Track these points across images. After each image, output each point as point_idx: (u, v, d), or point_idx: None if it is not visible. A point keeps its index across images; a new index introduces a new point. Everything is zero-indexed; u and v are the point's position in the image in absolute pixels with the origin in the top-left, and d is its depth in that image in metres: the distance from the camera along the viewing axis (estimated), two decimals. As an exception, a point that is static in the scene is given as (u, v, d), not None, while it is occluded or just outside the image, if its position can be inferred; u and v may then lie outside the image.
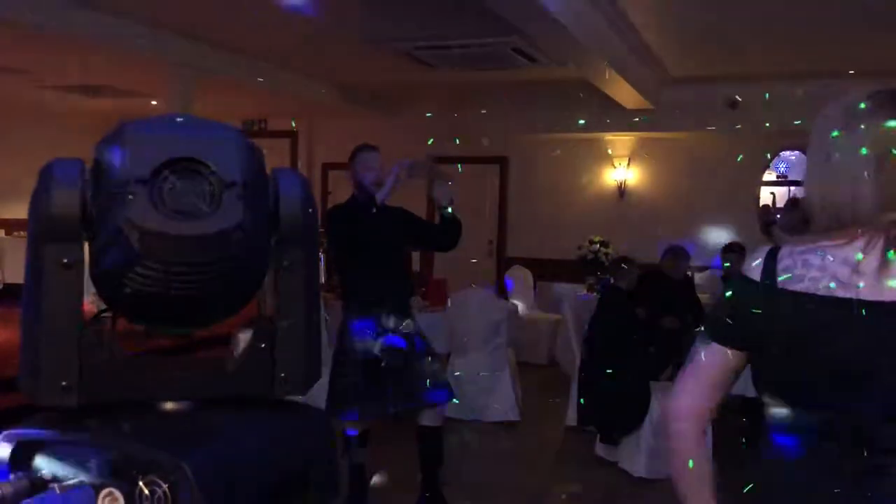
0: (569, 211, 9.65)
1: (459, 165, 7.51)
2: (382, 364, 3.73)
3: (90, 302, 1.11)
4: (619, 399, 4.83)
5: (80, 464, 0.95)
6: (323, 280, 7.86)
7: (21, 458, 0.98)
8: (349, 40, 6.30)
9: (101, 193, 0.95)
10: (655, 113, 8.34)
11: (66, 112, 10.58)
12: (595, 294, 7.10)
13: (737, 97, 8.00)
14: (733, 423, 4.14)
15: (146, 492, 0.89)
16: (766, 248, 1.38)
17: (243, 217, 0.95)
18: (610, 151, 9.70)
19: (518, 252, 9.97)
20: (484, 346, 6.03)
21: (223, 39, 6.84)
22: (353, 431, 3.97)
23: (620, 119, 8.58)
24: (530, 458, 5.27)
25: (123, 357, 1.04)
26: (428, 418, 3.93)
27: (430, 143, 8.18)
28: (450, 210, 4.03)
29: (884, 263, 1.24)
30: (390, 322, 3.80)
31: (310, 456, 1.03)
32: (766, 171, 9.42)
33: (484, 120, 9.33)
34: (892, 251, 1.23)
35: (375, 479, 4.15)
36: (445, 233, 4.03)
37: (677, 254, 6.24)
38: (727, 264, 6.45)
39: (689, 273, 6.61)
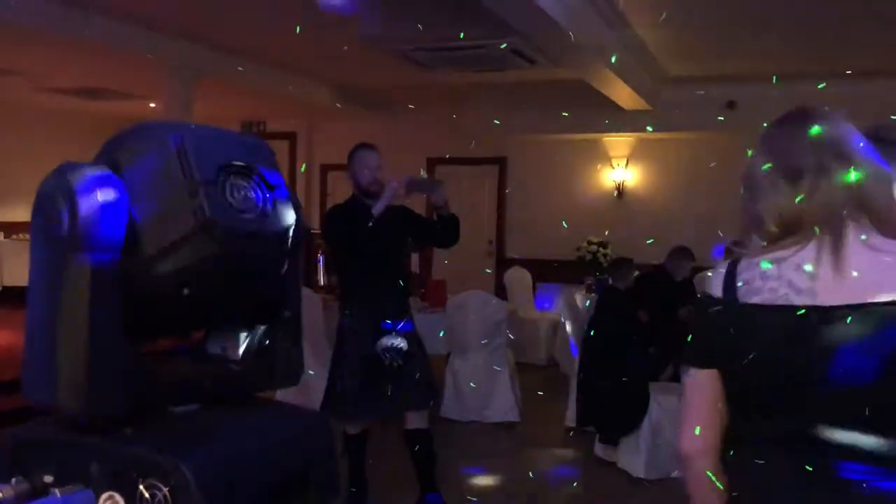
0: (567, 212, 9.65)
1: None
2: (384, 365, 3.73)
3: None
4: (619, 399, 4.83)
5: (81, 467, 0.95)
6: (323, 282, 7.87)
7: (22, 461, 0.99)
8: (348, 42, 6.30)
9: (158, 198, 0.96)
10: (653, 113, 8.35)
11: (65, 115, 10.59)
12: (593, 294, 7.11)
13: (733, 99, 8.01)
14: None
15: (146, 495, 0.90)
16: (725, 264, 1.38)
17: (295, 217, 1.05)
18: (609, 152, 9.72)
19: (517, 253, 9.97)
20: (483, 347, 6.03)
21: (222, 41, 6.85)
22: (352, 431, 3.98)
23: (618, 119, 8.59)
24: (530, 458, 5.27)
25: (152, 364, 1.04)
26: (415, 421, 3.93)
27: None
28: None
29: (837, 266, 1.25)
30: (390, 323, 3.81)
31: (309, 457, 1.03)
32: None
33: (482, 121, 9.34)
34: (848, 259, 1.24)
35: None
36: (445, 229, 4.04)
37: (683, 254, 6.25)
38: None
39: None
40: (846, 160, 1.31)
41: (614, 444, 4.95)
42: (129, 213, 0.97)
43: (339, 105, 8.95)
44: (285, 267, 1.11)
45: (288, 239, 1.05)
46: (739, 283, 1.33)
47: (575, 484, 4.78)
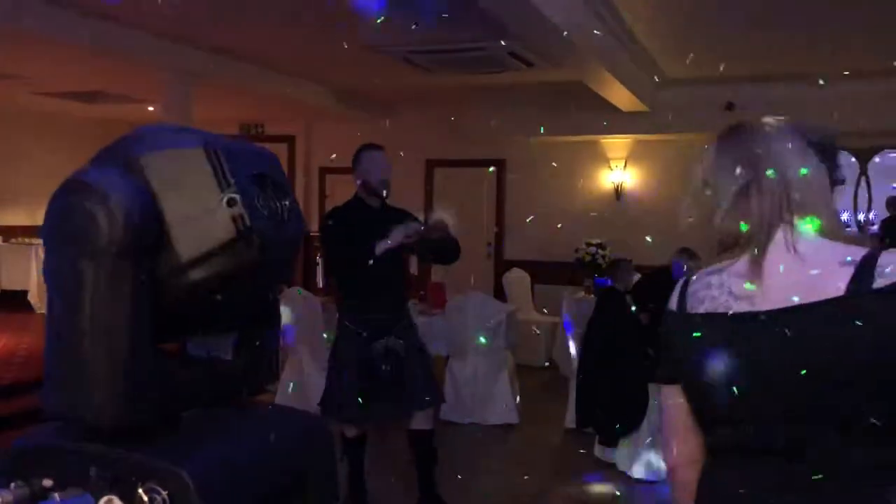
0: (566, 213, 9.66)
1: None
2: (382, 367, 3.73)
3: None
4: (618, 401, 4.84)
5: (80, 472, 0.95)
6: (321, 284, 7.87)
7: (21, 466, 0.99)
8: (346, 45, 6.31)
9: (191, 206, 0.96)
10: (651, 115, 8.36)
11: (63, 118, 10.59)
12: (592, 296, 7.11)
13: (732, 100, 8.02)
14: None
15: (146, 499, 0.90)
16: (683, 279, 1.42)
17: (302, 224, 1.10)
18: (607, 154, 9.73)
19: (515, 254, 9.98)
20: (483, 349, 6.03)
21: (220, 44, 6.85)
22: (350, 434, 3.98)
23: (616, 121, 8.60)
24: (529, 460, 5.27)
25: (176, 369, 1.04)
26: (419, 422, 3.93)
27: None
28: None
29: (768, 273, 1.26)
30: (389, 325, 3.81)
31: (308, 460, 1.03)
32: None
33: (481, 123, 9.34)
34: (784, 263, 1.25)
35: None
36: (447, 251, 3.99)
37: (690, 255, 6.26)
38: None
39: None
40: (777, 170, 1.32)
41: (613, 445, 4.95)
42: (162, 221, 0.97)
43: (334, 108, 8.95)
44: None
45: (300, 245, 1.08)
46: (689, 295, 1.36)
47: (574, 486, 4.78)
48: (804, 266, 1.24)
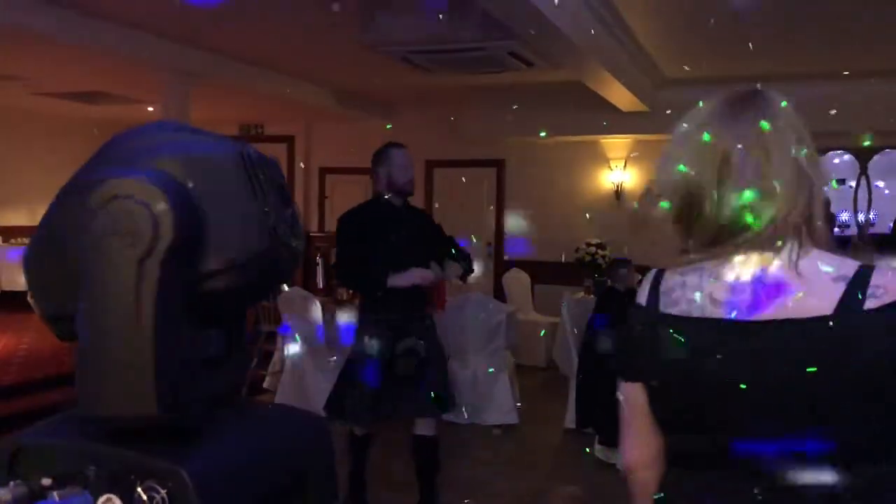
0: (566, 213, 9.66)
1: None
2: (402, 367, 3.69)
3: None
4: (618, 401, 4.83)
5: (79, 470, 0.95)
6: (321, 285, 7.87)
7: (20, 465, 0.98)
8: (346, 45, 6.31)
9: (228, 214, 0.98)
10: (651, 115, 8.36)
11: (63, 119, 10.59)
12: (592, 296, 7.11)
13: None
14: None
15: (144, 497, 0.90)
16: (653, 272, 1.33)
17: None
18: (607, 154, 9.73)
19: (515, 255, 9.99)
20: (482, 349, 6.03)
21: (219, 44, 6.85)
22: (360, 432, 3.94)
23: (616, 121, 8.60)
24: (529, 460, 5.27)
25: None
26: (424, 427, 3.91)
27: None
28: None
29: (761, 279, 1.17)
30: (410, 325, 3.77)
31: (308, 459, 1.03)
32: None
33: (480, 123, 9.35)
34: (772, 272, 1.17)
35: None
36: (463, 260, 3.98)
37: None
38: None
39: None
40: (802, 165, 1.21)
41: (614, 445, 4.95)
42: (201, 225, 0.97)
43: (333, 108, 8.95)
44: None
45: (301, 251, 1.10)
46: (662, 293, 1.27)
47: (574, 486, 4.78)
48: (795, 278, 1.16)
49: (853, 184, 8.80)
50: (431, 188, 10.33)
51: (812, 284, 1.14)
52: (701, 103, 1.31)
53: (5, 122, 10.14)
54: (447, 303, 6.43)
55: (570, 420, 5.55)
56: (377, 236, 3.76)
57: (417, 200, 4.31)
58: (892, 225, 8.87)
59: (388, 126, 8.88)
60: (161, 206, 0.90)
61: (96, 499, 0.92)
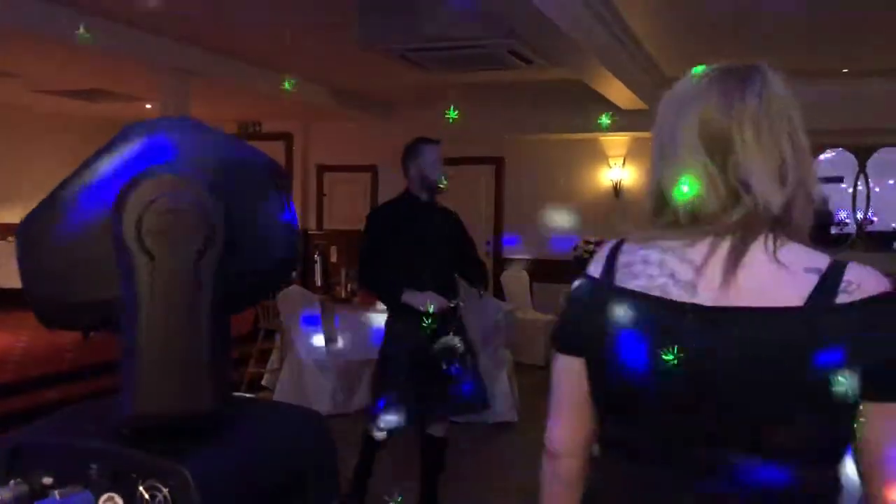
0: (565, 211, 9.66)
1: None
2: (443, 367, 3.60)
3: None
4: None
5: (81, 469, 0.94)
6: (319, 283, 7.87)
7: (21, 463, 0.98)
8: (344, 43, 6.30)
9: (258, 218, 0.99)
10: (650, 113, 8.35)
11: (61, 117, 10.57)
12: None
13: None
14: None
15: (146, 496, 0.89)
16: (609, 244, 1.25)
17: None
18: (606, 151, 9.73)
19: (514, 253, 9.98)
20: (482, 348, 6.03)
21: (218, 43, 6.84)
22: (381, 437, 3.82)
23: (615, 119, 8.58)
24: (528, 458, 5.26)
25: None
26: (437, 428, 3.87)
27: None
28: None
29: (729, 267, 1.10)
30: (444, 322, 3.65)
31: (309, 457, 1.03)
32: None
33: (479, 121, 9.33)
34: (745, 258, 1.10)
35: None
36: (477, 267, 3.93)
37: None
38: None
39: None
40: (797, 145, 1.15)
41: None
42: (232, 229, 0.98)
43: (332, 106, 8.94)
44: None
45: None
46: (619, 266, 1.19)
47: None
48: (767, 266, 1.10)
49: (851, 182, 8.80)
50: (430, 186, 10.32)
51: (783, 275, 1.09)
52: (696, 72, 1.25)
53: (4, 120, 10.12)
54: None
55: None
56: (403, 233, 3.71)
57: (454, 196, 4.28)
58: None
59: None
60: (216, 207, 0.91)
61: (98, 497, 0.92)
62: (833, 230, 9.43)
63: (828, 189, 9.47)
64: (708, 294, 1.10)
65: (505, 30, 5.55)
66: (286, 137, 11.10)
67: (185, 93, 7.19)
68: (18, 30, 5.71)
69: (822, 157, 8.83)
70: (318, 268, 8.10)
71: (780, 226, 1.12)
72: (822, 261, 1.10)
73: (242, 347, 6.80)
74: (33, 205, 1.05)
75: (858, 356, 1.03)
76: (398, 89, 8.79)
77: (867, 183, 8.66)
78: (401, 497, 3.63)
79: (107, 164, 1.01)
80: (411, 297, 3.62)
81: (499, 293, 8.81)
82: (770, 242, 1.11)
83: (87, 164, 1.03)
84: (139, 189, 0.91)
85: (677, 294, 1.12)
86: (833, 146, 8.69)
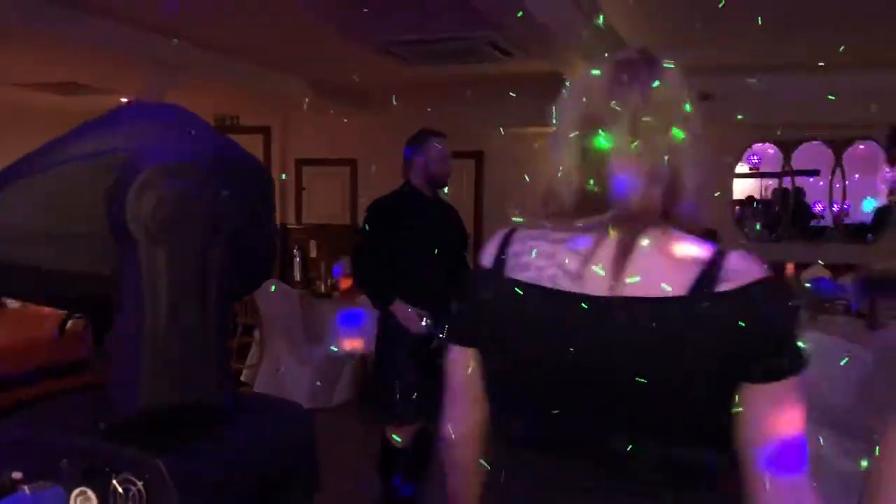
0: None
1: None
2: (438, 363, 3.51)
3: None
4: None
5: (52, 464, 0.92)
6: (298, 278, 7.82)
7: (-10, 458, 0.96)
8: (323, 35, 6.25)
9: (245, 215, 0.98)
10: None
11: (37, 110, 10.43)
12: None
13: (709, 91, 8.04)
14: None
15: (120, 490, 0.87)
16: (501, 232, 1.26)
17: None
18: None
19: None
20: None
21: (196, 35, 6.77)
22: (403, 444, 3.71)
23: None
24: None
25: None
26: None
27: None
28: None
29: (616, 259, 1.13)
30: (442, 318, 3.59)
31: (291, 450, 1.01)
32: (739, 164, 9.51)
33: (459, 114, 9.31)
34: (633, 249, 1.12)
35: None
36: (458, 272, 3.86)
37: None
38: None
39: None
40: (674, 135, 1.16)
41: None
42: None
43: (306, 100, 8.89)
44: None
45: None
46: (509, 255, 1.21)
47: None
48: (653, 258, 1.12)
49: (828, 174, 8.87)
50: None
51: (668, 266, 1.11)
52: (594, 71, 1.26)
53: (-26, 113, 9.98)
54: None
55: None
56: (404, 228, 3.65)
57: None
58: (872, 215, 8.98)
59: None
60: (224, 195, 0.89)
61: (69, 493, 0.89)
62: (813, 222, 9.52)
63: (804, 182, 9.55)
64: (596, 285, 1.12)
65: (486, 22, 5.53)
66: (264, 131, 11.02)
67: (162, 85, 7.11)
68: (-9, 21, 5.61)
69: (799, 149, 8.91)
70: (297, 262, 8.06)
71: (665, 218, 1.15)
72: (705, 251, 1.13)
73: (221, 342, 6.74)
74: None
75: (737, 340, 1.07)
76: (378, 83, 8.76)
77: (843, 176, 8.73)
78: None
79: (96, 139, 0.99)
80: (401, 311, 3.57)
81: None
82: (656, 234, 1.13)
83: (75, 136, 1.00)
84: (150, 176, 0.88)
85: (567, 285, 1.13)
86: (810, 139, 8.75)
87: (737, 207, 9.42)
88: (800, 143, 8.80)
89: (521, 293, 1.15)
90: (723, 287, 1.09)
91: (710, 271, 1.10)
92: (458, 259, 3.94)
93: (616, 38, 6.81)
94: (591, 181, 1.14)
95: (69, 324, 1.17)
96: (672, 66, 1.24)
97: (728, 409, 1.11)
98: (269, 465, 1.00)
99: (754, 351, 1.08)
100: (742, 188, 9.84)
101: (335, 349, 3.74)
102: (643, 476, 1.12)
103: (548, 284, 1.14)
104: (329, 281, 7.03)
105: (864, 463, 1.19)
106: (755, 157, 10.05)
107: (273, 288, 5.92)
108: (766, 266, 1.13)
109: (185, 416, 0.93)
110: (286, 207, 10.83)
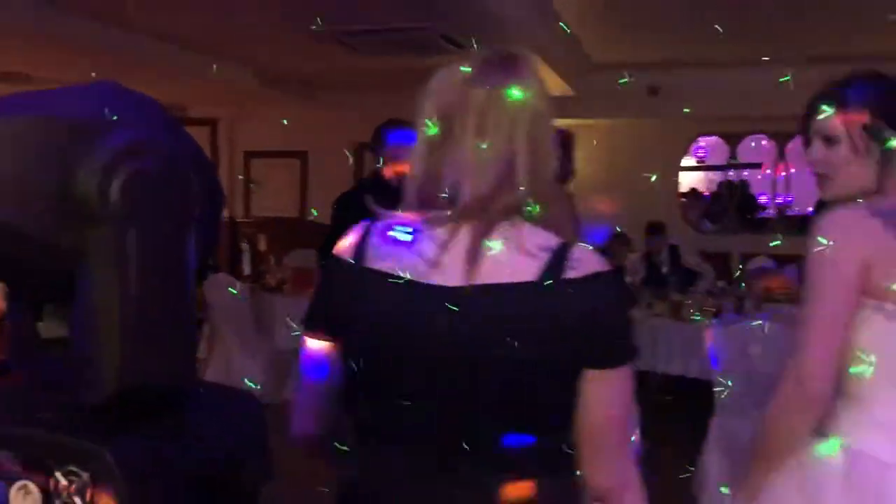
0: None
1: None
2: None
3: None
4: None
5: (-9, 456, 0.88)
6: (247, 271, 7.71)
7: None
8: (270, 24, 6.16)
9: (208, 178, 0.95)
10: (578, 99, 8.44)
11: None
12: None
13: (656, 85, 8.16)
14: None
15: (64, 482, 0.84)
16: (363, 223, 1.28)
17: None
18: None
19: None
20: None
21: (140, 23, 6.61)
22: None
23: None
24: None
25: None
26: None
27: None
28: None
29: (471, 249, 1.16)
30: None
31: (242, 438, 0.98)
32: (685, 157, 9.66)
33: (412, 108, 9.27)
34: (485, 240, 1.16)
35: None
36: None
37: (622, 239, 6.38)
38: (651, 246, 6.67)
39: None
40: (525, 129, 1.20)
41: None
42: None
43: (260, 90, 8.77)
44: None
45: None
46: (369, 246, 1.22)
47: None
48: (505, 248, 1.16)
49: (770, 167, 9.07)
50: (361, 172, 10.22)
51: (520, 255, 1.15)
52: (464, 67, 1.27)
53: None
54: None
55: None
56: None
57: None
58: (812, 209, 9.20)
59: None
60: (196, 180, 0.86)
61: (10, 486, 0.86)
62: (761, 214, 9.73)
63: (749, 174, 9.75)
64: (451, 274, 1.15)
65: (437, 14, 5.51)
66: (212, 123, 10.84)
67: (106, 75, 6.93)
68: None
69: (743, 143, 9.09)
70: (245, 256, 7.95)
71: (514, 212, 1.18)
72: (553, 241, 1.17)
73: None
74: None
75: (581, 325, 1.13)
76: (329, 74, 8.67)
77: (786, 168, 8.94)
78: None
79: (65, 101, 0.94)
80: None
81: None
82: (505, 226, 1.17)
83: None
84: (120, 152, 0.84)
85: (425, 275, 1.16)
86: (753, 133, 8.93)
87: (682, 200, 9.58)
88: (744, 136, 8.98)
89: (381, 284, 1.17)
90: (570, 274, 1.13)
91: (557, 260, 1.14)
92: None
93: (567, 33, 6.86)
94: (440, 174, 1.18)
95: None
96: (531, 67, 1.26)
97: (573, 395, 1.17)
98: (220, 453, 0.98)
99: (595, 337, 1.14)
100: (688, 181, 10.01)
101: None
102: (491, 463, 1.16)
103: (406, 275, 1.16)
104: (279, 275, 6.95)
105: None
106: (701, 151, 10.23)
107: (236, 293, 5.84)
108: (605, 260, 1.19)
109: (151, 400, 0.90)
110: (234, 200, 10.68)
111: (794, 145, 8.93)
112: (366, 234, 1.24)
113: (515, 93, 1.19)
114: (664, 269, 6.80)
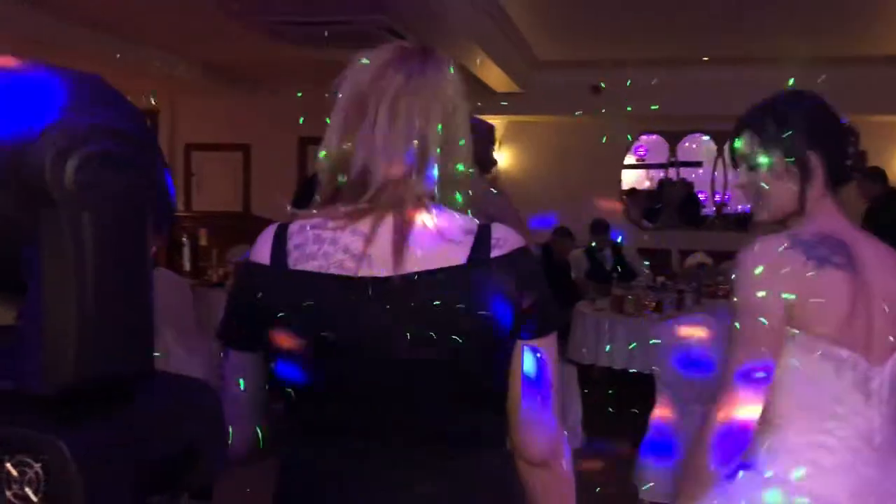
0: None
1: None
2: None
3: None
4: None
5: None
6: (188, 267, 7.57)
7: None
8: (212, 15, 6.05)
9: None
10: (524, 96, 8.50)
11: None
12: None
13: (601, 83, 8.26)
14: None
15: (15, 473, 0.81)
16: (273, 227, 1.24)
17: None
18: (479, 134, 9.84)
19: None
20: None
21: (76, 12, 6.42)
22: None
23: (490, 102, 8.69)
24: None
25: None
26: None
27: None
28: None
29: (396, 239, 1.16)
30: None
31: (197, 427, 0.97)
32: (627, 155, 9.82)
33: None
34: (408, 229, 1.17)
35: None
36: None
37: (565, 233, 6.45)
38: (593, 244, 6.76)
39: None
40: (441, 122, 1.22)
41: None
42: None
43: (201, 82, 8.61)
44: None
45: None
46: (291, 248, 1.20)
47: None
48: (430, 234, 1.17)
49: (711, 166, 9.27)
50: (305, 166, 10.12)
51: (446, 240, 1.17)
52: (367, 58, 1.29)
53: None
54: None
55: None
56: None
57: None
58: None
59: (299, 94, 8.63)
60: (151, 162, 0.84)
61: (-46, 479, 0.83)
62: (704, 212, 9.93)
63: (690, 173, 9.95)
64: (380, 265, 1.16)
65: (379, 6, 5.48)
66: (151, 115, 10.60)
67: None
68: None
69: (683, 142, 9.28)
70: (186, 251, 7.80)
71: (428, 197, 1.20)
72: (473, 224, 1.20)
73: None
74: None
75: (513, 299, 1.17)
76: (269, 66, 8.55)
77: (724, 167, 9.16)
78: None
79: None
80: None
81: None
82: (426, 212, 1.18)
83: None
84: (73, 134, 0.80)
85: (354, 269, 1.16)
86: (694, 132, 9.12)
87: (623, 197, 9.74)
88: (685, 134, 9.16)
89: (313, 284, 1.16)
90: (495, 253, 1.17)
91: (481, 241, 1.18)
92: None
93: (513, 28, 6.90)
94: (351, 162, 1.19)
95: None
96: (445, 58, 1.28)
97: (507, 368, 1.21)
98: (175, 440, 0.96)
99: (526, 309, 1.18)
100: (628, 179, 10.18)
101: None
102: (441, 442, 1.19)
103: (335, 271, 1.16)
104: (221, 270, 6.85)
105: None
106: (641, 150, 10.40)
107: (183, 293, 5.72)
108: (524, 238, 1.24)
109: (107, 389, 0.87)
110: (174, 194, 10.48)
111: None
112: (282, 236, 1.21)
113: (431, 80, 1.21)
114: (607, 266, 6.92)
